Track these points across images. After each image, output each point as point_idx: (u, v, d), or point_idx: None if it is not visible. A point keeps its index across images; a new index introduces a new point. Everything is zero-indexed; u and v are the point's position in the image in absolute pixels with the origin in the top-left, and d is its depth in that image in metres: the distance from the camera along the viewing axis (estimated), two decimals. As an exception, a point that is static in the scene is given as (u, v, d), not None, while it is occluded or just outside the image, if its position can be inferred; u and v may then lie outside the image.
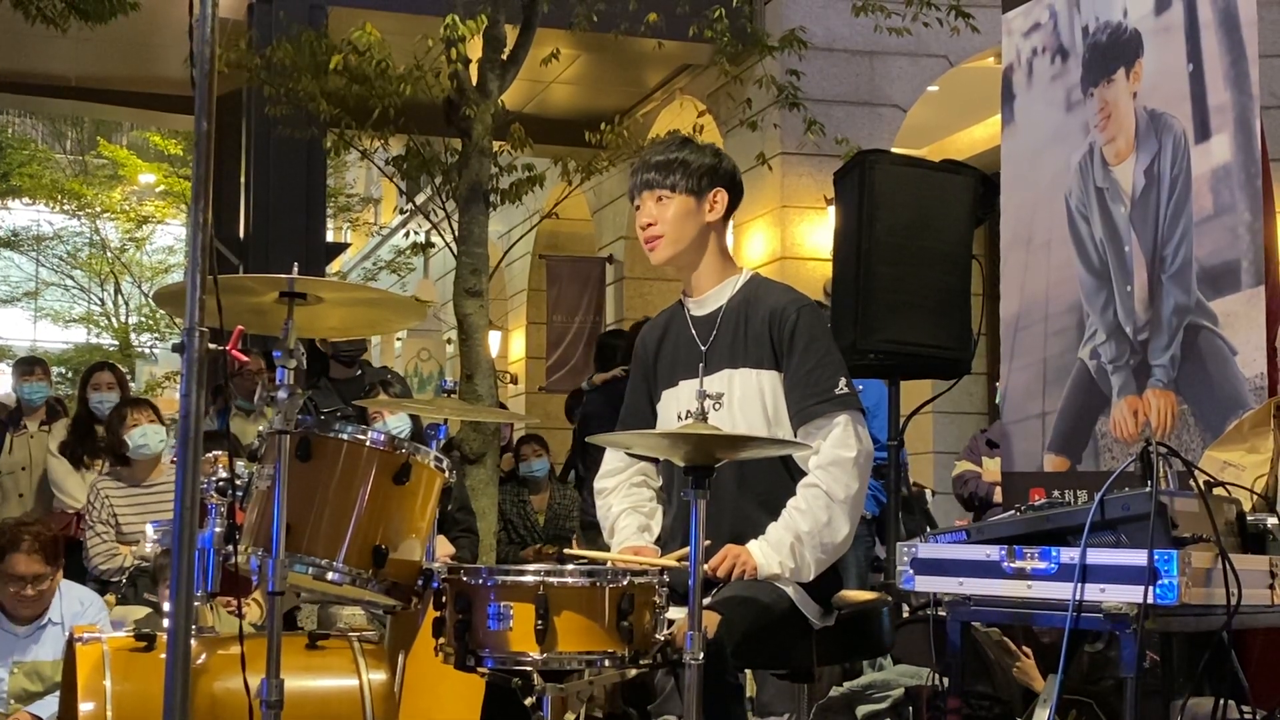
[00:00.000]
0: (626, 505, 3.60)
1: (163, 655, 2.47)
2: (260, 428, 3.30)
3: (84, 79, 13.70)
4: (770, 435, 3.36)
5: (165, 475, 6.04)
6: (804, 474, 3.38)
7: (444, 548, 5.82)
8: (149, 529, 4.80)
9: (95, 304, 27.26)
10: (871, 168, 5.30)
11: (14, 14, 9.18)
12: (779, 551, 3.27)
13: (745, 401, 3.42)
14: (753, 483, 3.41)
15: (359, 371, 7.20)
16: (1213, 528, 2.86)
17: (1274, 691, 3.45)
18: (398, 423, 5.72)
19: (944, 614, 3.22)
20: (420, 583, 3.25)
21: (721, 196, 3.50)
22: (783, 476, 3.41)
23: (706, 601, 3.09)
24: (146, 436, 5.94)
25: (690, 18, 9.95)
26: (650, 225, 3.49)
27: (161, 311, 23.35)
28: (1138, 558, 2.73)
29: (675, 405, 3.53)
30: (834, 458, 3.33)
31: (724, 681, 3.05)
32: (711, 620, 3.02)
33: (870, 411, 5.87)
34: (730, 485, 3.40)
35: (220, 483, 3.35)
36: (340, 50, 8.51)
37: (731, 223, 3.69)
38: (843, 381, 3.38)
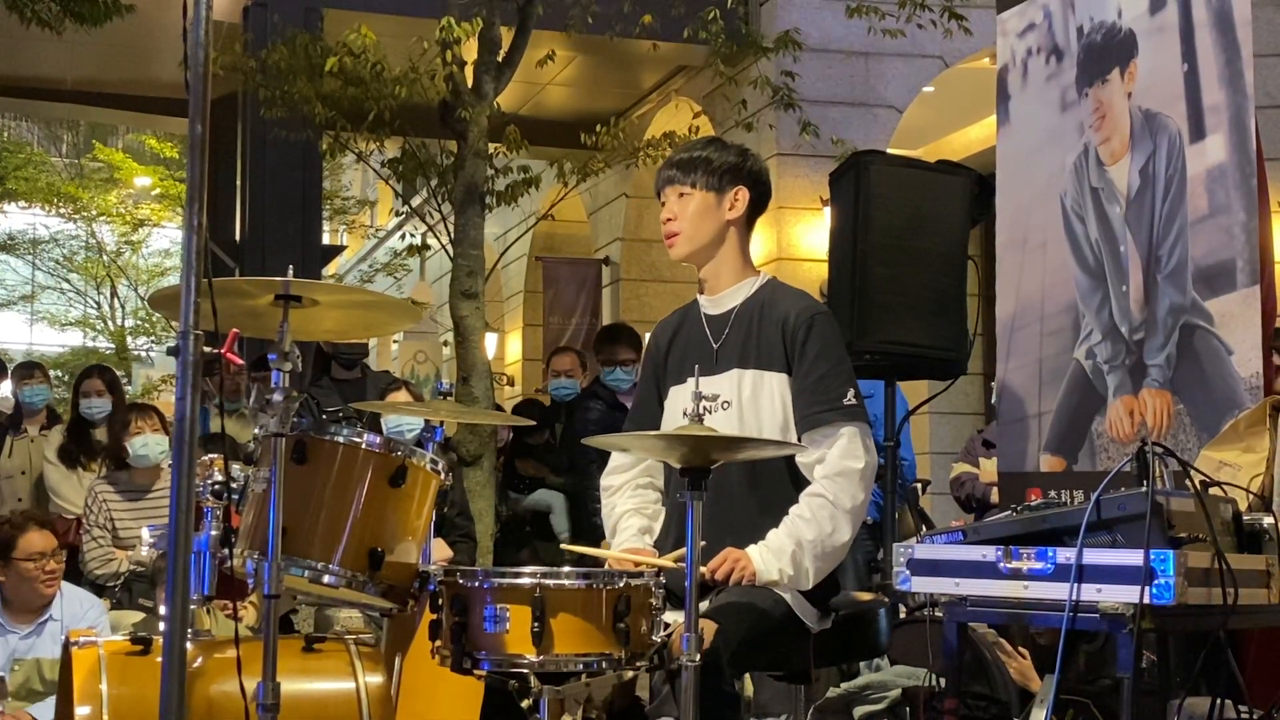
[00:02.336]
0: (630, 506, 3.60)
1: (159, 659, 2.46)
2: (256, 430, 3.29)
3: (79, 82, 13.69)
4: (780, 437, 3.36)
5: (164, 481, 6.04)
6: (808, 481, 3.37)
7: (441, 551, 5.82)
8: (144, 533, 4.80)
9: (91, 307, 27.21)
10: (867, 168, 5.30)
11: (9, 17, 9.17)
12: (779, 559, 3.26)
13: (756, 402, 3.41)
14: (760, 486, 3.41)
15: (360, 374, 7.21)
16: (1209, 527, 2.86)
17: (1270, 691, 3.45)
18: (413, 423, 5.76)
19: (941, 615, 3.22)
20: (417, 585, 3.25)
21: (743, 195, 3.50)
22: (787, 482, 3.41)
23: (704, 607, 3.09)
24: (148, 447, 5.95)
25: (685, 19, 9.96)
26: (670, 221, 3.53)
27: (157, 315, 23.32)
28: (1134, 558, 2.73)
29: (682, 401, 3.52)
30: (841, 468, 3.33)
31: (720, 690, 3.04)
32: (708, 629, 3.01)
33: (876, 418, 5.87)
34: (737, 488, 3.39)
35: (216, 486, 3.35)
36: (335, 53, 8.51)
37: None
38: (851, 393, 3.37)
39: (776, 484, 3.40)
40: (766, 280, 3.57)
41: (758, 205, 3.57)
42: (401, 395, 6.15)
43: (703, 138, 3.75)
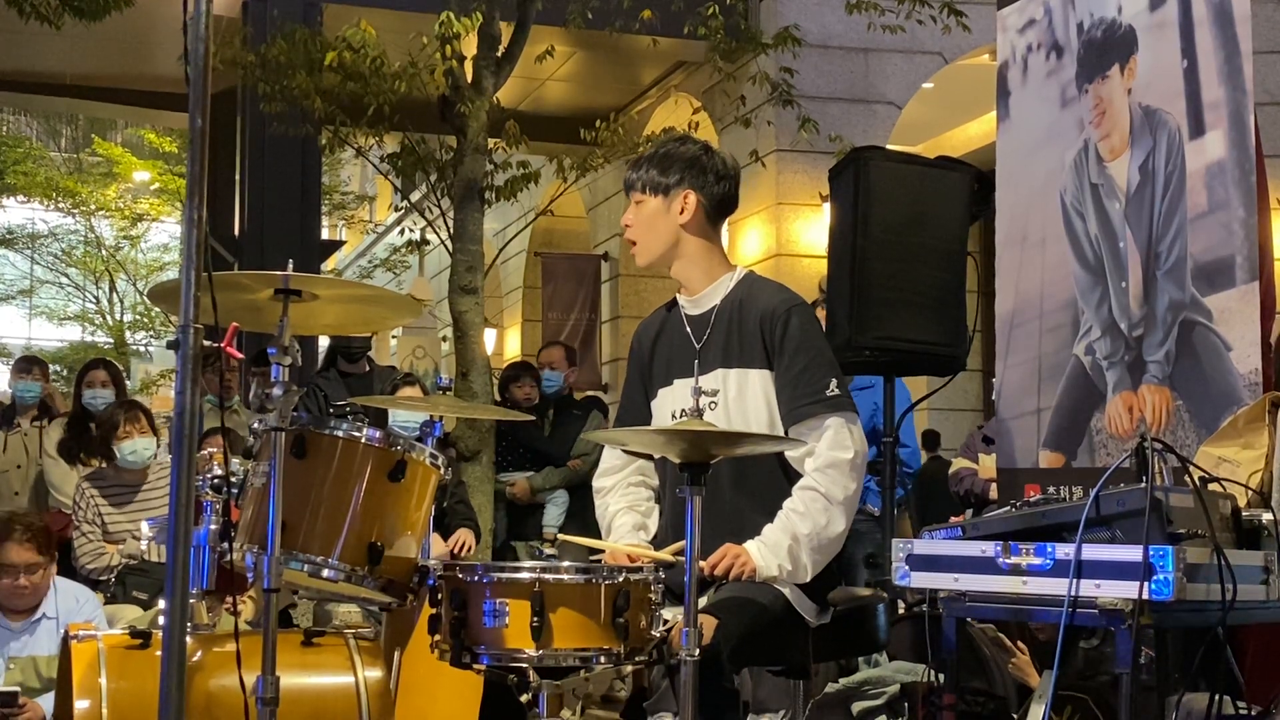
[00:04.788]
0: (623, 504, 3.61)
1: (158, 652, 2.46)
2: (254, 424, 3.28)
3: (79, 76, 13.69)
4: (769, 433, 3.36)
5: (152, 475, 6.04)
6: (798, 475, 3.37)
7: (439, 547, 5.83)
8: (144, 526, 4.79)
9: (90, 302, 27.22)
10: (866, 165, 5.29)
11: (8, 11, 9.16)
12: (776, 554, 3.27)
13: (742, 400, 3.42)
14: (749, 483, 3.41)
15: (367, 368, 7.22)
16: (1208, 523, 2.86)
17: (1269, 687, 3.45)
18: (419, 418, 5.76)
19: (939, 610, 3.22)
20: (416, 580, 3.25)
21: (691, 199, 3.47)
22: (778, 477, 3.41)
23: (703, 603, 3.09)
24: (136, 452, 5.95)
25: (685, 15, 9.96)
26: (627, 227, 3.56)
27: (156, 309, 23.31)
28: (1133, 553, 2.73)
29: (671, 404, 3.53)
30: (831, 460, 3.33)
31: (720, 687, 3.05)
32: (708, 625, 3.01)
33: (878, 406, 5.87)
34: (726, 485, 3.39)
35: (215, 480, 3.35)
36: (335, 47, 8.51)
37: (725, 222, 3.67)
38: (834, 383, 3.37)
39: (767, 479, 3.41)
40: (743, 276, 3.56)
41: (719, 205, 3.53)
42: (412, 391, 6.16)
43: (670, 137, 3.74)
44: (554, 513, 7.58)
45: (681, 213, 3.48)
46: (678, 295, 3.62)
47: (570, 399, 8.10)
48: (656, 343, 3.62)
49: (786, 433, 3.36)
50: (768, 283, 3.58)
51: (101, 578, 5.81)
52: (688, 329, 3.54)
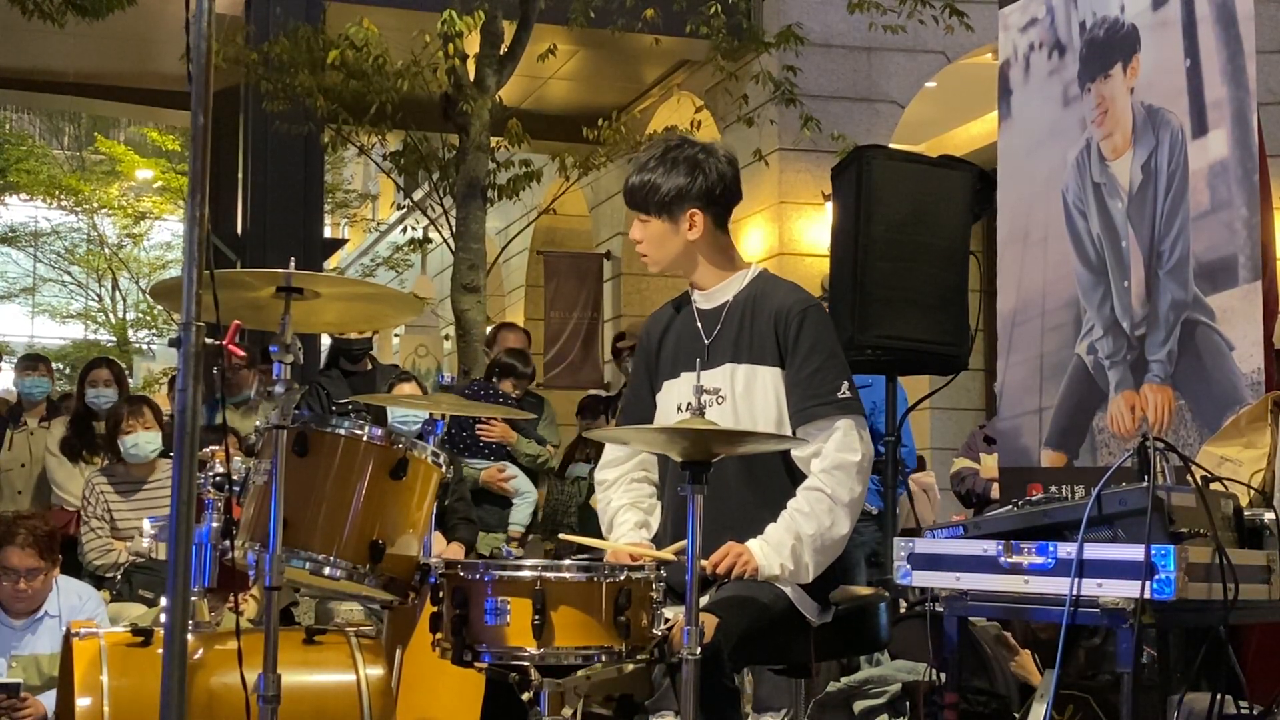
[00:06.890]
0: (626, 501, 3.60)
1: (159, 650, 2.46)
2: (258, 422, 3.29)
3: (81, 74, 13.69)
4: (775, 431, 3.36)
5: (160, 471, 6.05)
6: (804, 475, 3.37)
7: (440, 544, 5.83)
8: (146, 524, 4.78)
9: (93, 300, 27.23)
10: (869, 163, 5.29)
11: (11, 9, 9.17)
12: (779, 553, 3.26)
13: (749, 396, 3.41)
14: (756, 480, 3.41)
15: (369, 366, 7.22)
16: (1210, 523, 2.86)
17: (1271, 686, 3.45)
18: (418, 415, 5.77)
19: (941, 609, 3.22)
20: (417, 578, 3.26)
21: (698, 216, 3.45)
22: (783, 476, 3.40)
23: (704, 601, 3.09)
24: (138, 446, 5.95)
25: (687, 14, 9.96)
26: (639, 243, 3.55)
27: (158, 307, 23.31)
28: (1135, 553, 2.74)
29: (675, 396, 3.52)
30: (838, 461, 3.32)
31: (720, 685, 3.04)
32: (710, 623, 3.01)
33: (876, 405, 5.87)
34: (731, 482, 3.39)
35: (217, 478, 3.35)
36: (337, 46, 8.52)
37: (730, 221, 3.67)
38: (845, 385, 3.37)
39: (772, 478, 3.40)
40: (758, 273, 3.56)
41: (726, 209, 3.53)
42: (409, 388, 6.17)
43: (658, 143, 3.67)
44: (523, 511, 7.40)
45: (691, 229, 3.47)
46: (690, 289, 3.61)
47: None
48: (665, 335, 3.62)
49: (794, 432, 3.36)
50: (782, 281, 3.58)
51: (108, 575, 5.82)
52: (698, 323, 3.54)
